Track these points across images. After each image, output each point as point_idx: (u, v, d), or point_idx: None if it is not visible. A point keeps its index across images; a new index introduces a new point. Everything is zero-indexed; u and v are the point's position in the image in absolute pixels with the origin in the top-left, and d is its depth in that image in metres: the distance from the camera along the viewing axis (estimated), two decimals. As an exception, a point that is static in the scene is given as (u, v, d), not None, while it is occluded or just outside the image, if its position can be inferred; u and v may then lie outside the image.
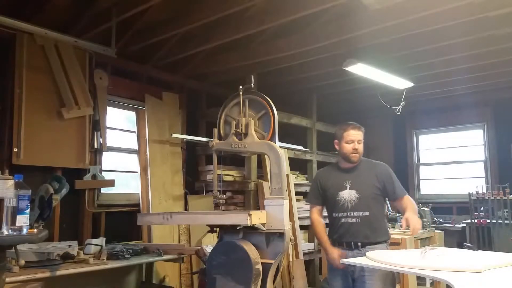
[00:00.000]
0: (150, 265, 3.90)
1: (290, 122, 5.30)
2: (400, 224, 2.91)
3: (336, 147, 2.85)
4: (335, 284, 2.76)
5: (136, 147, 4.58)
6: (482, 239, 5.38)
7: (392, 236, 3.03)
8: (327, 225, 2.88)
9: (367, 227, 2.69)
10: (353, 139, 2.75)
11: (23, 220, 2.05)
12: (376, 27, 3.66)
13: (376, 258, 2.22)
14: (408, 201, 2.73)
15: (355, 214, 2.70)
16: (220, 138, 3.08)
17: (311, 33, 4.02)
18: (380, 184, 2.73)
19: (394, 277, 2.69)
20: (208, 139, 3.37)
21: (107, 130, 4.20)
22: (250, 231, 2.71)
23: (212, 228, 2.94)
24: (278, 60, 4.52)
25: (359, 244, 2.66)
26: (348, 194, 2.73)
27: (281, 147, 2.93)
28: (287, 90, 5.66)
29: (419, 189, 6.61)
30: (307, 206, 5.28)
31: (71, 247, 3.15)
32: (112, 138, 4.36)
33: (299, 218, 4.96)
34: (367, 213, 2.69)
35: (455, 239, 5.45)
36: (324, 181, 2.87)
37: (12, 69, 3.53)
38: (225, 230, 2.85)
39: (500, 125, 5.99)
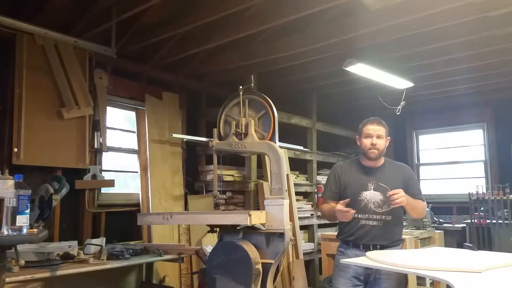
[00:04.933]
0: (150, 265, 3.90)
1: (290, 122, 5.30)
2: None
3: (358, 142, 2.74)
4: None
5: (136, 147, 4.58)
6: (482, 239, 5.37)
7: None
8: (334, 224, 2.79)
9: (388, 231, 2.60)
10: (372, 133, 2.63)
11: (23, 220, 2.05)
12: (376, 27, 3.66)
13: (376, 258, 2.21)
14: (420, 201, 2.64)
15: (378, 217, 2.59)
16: (220, 138, 3.08)
17: (311, 33, 4.02)
18: (404, 187, 2.59)
19: (407, 278, 2.63)
20: (208, 139, 3.37)
21: (107, 130, 4.20)
22: (250, 231, 2.71)
23: (212, 228, 2.94)
24: (278, 60, 4.52)
25: (378, 247, 2.56)
26: (371, 195, 2.61)
27: (281, 147, 2.93)
28: (287, 90, 5.66)
29: (419, 189, 6.60)
30: (307, 206, 5.32)
31: (71, 247, 3.15)
32: (112, 138, 4.36)
33: (299, 218, 4.96)
34: (389, 218, 2.58)
35: (455, 239, 5.45)
36: (344, 177, 2.72)
37: (12, 69, 3.53)
38: (225, 230, 2.85)
39: (500, 125, 5.99)
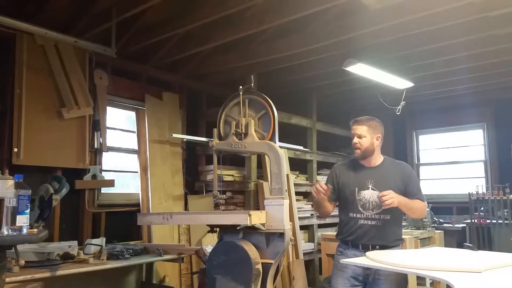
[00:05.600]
0: (150, 265, 3.90)
1: (290, 122, 5.30)
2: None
3: None
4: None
5: (136, 147, 4.58)
6: (482, 239, 5.37)
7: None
8: (334, 224, 2.79)
9: (388, 231, 2.59)
10: (353, 133, 2.69)
11: (23, 220, 2.05)
12: (376, 27, 3.66)
13: (376, 258, 2.21)
14: (418, 201, 2.60)
15: (377, 216, 2.58)
16: (220, 138, 3.08)
17: (311, 33, 4.02)
18: (403, 186, 2.60)
19: (407, 280, 2.61)
20: (208, 139, 3.36)
21: (107, 130, 4.20)
22: (250, 231, 2.70)
23: (212, 228, 2.94)
24: (278, 60, 4.52)
25: (377, 247, 2.55)
26: (370, 195, 2.60)
27: (281, 147, 2.92)
28: (287, 90, 5.66)
29: (419, 189, 6.60)
30: (307, 206, 5.32)
31: (71, 247, 3.15)
32: (112, 138, 4.36)
33: (299, 218, 4.97)
34: (388, 217, 2.57)
35: (455, 239, 5.44)
36: (343, 177, 2.73)
37: (12, 69, 3.53)
38: (225, 230, 2.85)
39: (500, 125, 5.99)
